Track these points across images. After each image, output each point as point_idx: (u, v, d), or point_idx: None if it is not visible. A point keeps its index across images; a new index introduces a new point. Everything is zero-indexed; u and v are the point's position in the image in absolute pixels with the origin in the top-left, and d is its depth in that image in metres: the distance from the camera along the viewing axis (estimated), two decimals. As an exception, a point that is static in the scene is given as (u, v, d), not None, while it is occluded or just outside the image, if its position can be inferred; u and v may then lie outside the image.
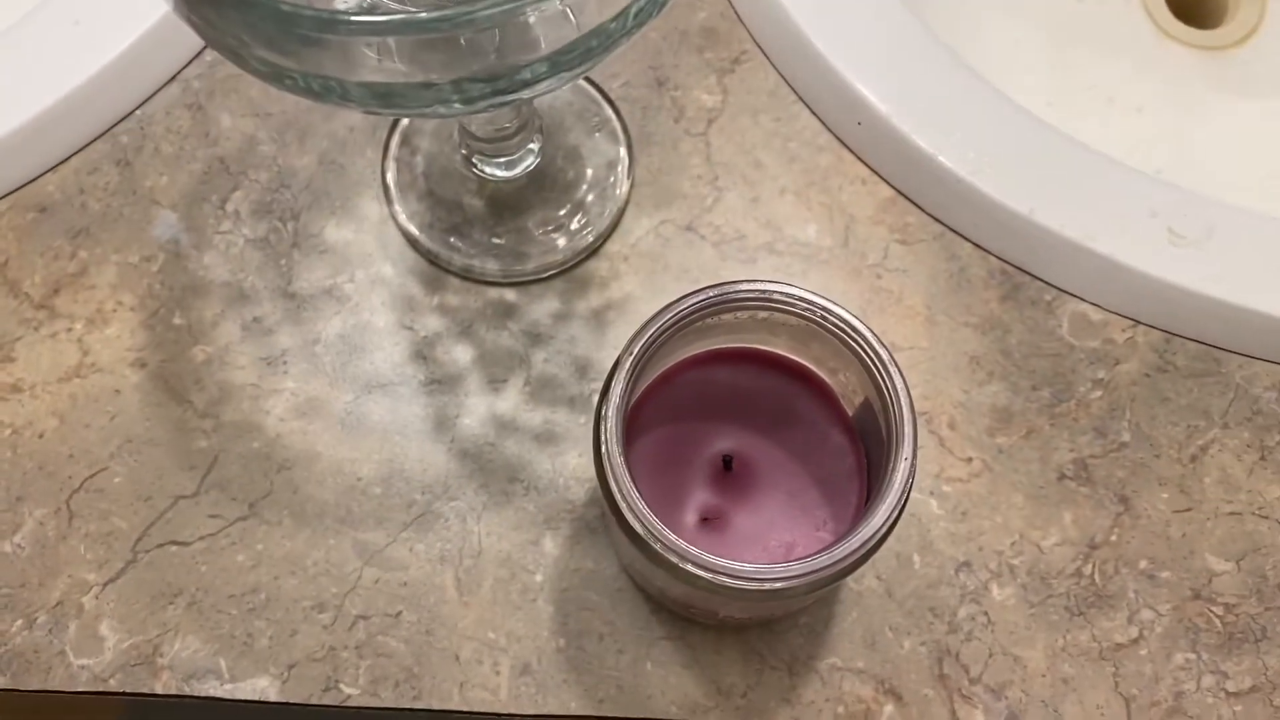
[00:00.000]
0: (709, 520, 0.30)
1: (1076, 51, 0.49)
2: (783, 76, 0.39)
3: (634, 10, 0.23)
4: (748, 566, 0.26)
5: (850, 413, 0.31)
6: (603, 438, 0.27)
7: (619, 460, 0.27)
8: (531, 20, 0.22)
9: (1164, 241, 0.36)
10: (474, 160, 0.37)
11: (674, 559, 0.26)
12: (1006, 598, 0.34)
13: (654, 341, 0.28)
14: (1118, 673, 0.34)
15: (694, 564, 0.26)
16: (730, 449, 0.31)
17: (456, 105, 0.23)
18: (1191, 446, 0.36)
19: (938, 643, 0.34)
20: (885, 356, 0.27)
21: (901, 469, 0.26)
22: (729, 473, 0.31)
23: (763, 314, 0.29)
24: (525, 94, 0.24)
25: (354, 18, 0.21)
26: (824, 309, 0.28)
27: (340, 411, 0.36)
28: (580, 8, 0.23)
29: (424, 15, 0.21)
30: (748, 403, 0.31)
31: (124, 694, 0.33)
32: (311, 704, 0.33)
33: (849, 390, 0.30)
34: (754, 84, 0.39)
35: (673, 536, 0.26)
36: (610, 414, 0.27)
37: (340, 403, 0.36)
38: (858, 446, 0.31)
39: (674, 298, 0.28)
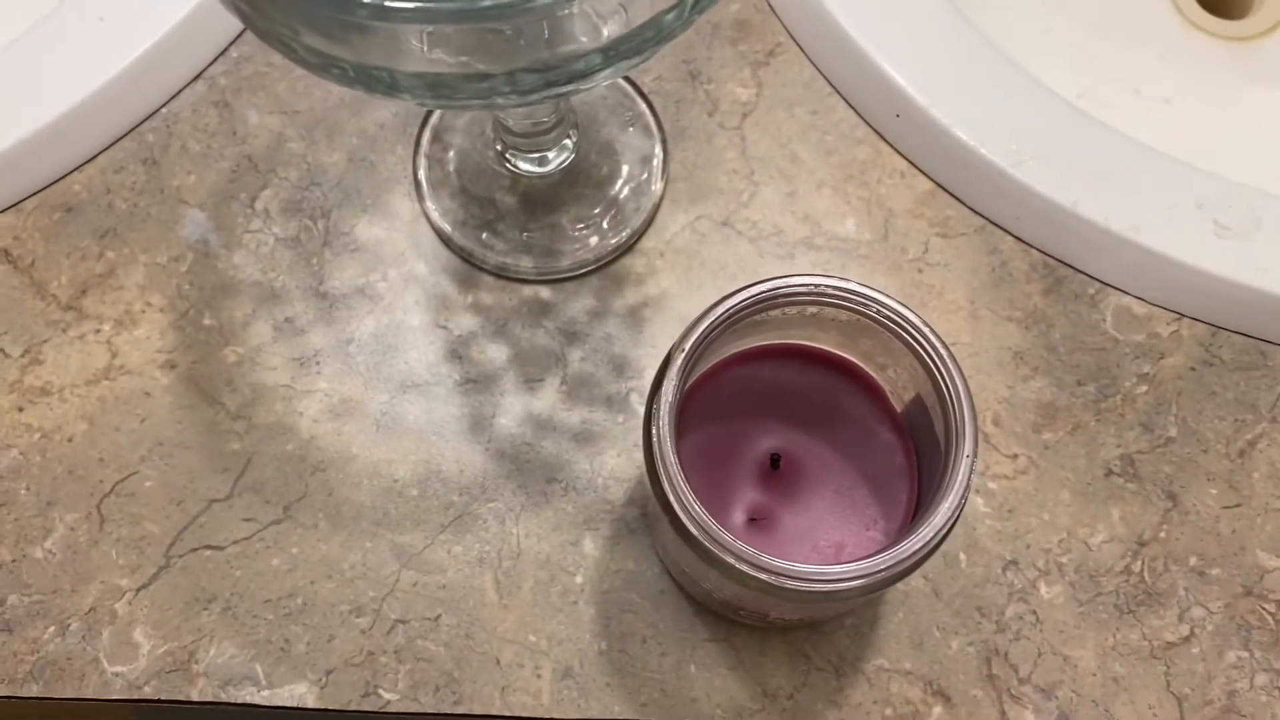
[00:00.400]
0: (757, 520, 0.30)
1: (1104, 42, 0.48)
2: (818, 68, 0.39)
3: (691, 1, 0.23)
4: (807, 568, 0.25)
5: (899, 409, 0.30)
6: (655, 437, 0.26)
7: (672, 460, 0.26)
8: (587, 9, 0.21)
9: (1210, 233, 0.35)
10: (508, 156, 0.37)
11: (730, 559, 0.25)
12: (1055, 596, 0.34)
13: (706, 337, 0.27)
14: (1169, 672, 0.33)
15: (751, 565, 0.25)
16: (777, 447, 0.30)
17: (510, 97, 0.23)
18: (1240, 441, 0.35)
19: (986, 642, 0.33)
20: (944, 352, 0.26)
21: (963, 466, 0.26)
22: (776, 471, 0.30)
23: (812, 309, 0.28)
24: (580, 85, 0.23)
25: (408, 5, 0.20)
26: (880, 303, 0.27)
27: (375, 412, 0.35)
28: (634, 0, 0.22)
29: (480, 4, 0.20)
30: (794, 400, 0.31)
31: (160, 701, 0.33)
32: (350, 710, 0.33)
33: (899, 386, 0.30)
34: (789, 76, 0.39)
35: (729, 537, 0.25)
36: (662, 412, 0.26)
37: (375, 403, 0.35)
38: (907, 444, 0.30)
39: (713, 294, 0.28)
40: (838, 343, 0.30)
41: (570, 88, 0.23)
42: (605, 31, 0.23)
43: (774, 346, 0.31)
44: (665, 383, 0.27)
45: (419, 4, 0.20)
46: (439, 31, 0.21)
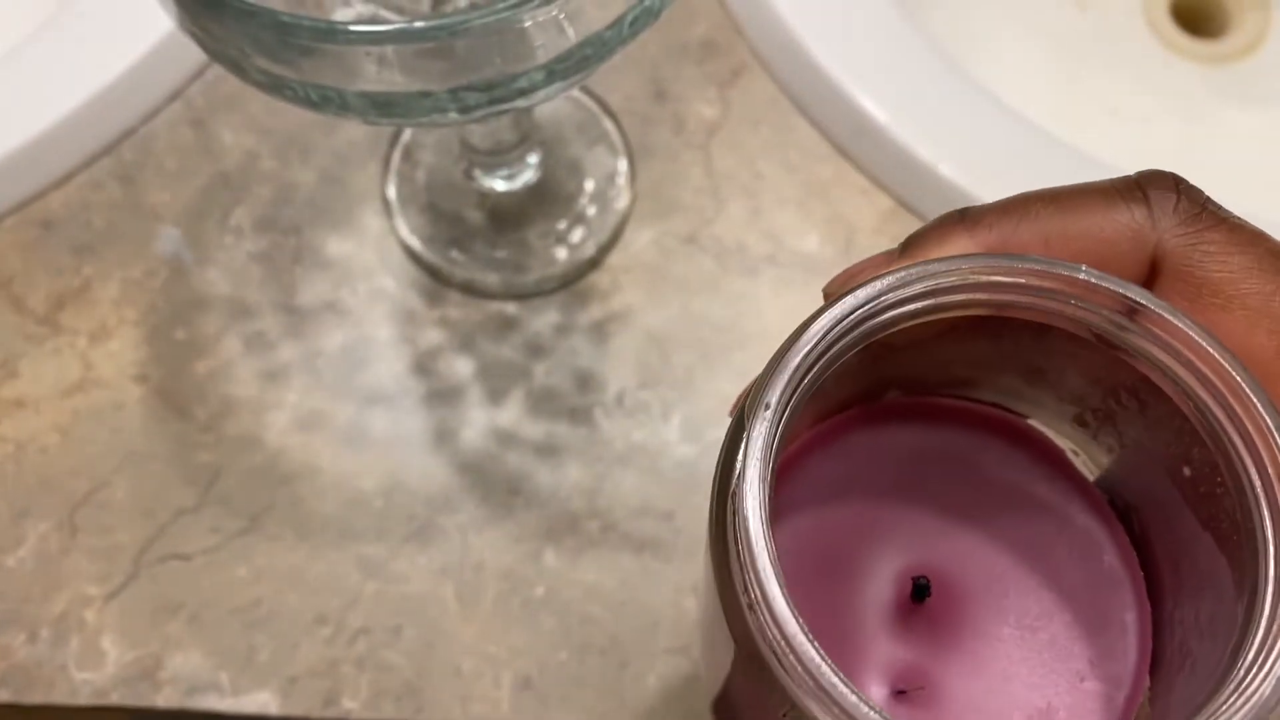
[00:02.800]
0: (906, 692, 0.19)
1: (1079, 62, 0.49)
2: (782, 88, 0.39)
3: (629, 19, 0.23)
4: None
5: (1091, 477, 0.20)
6: (739, 539, 0.15)
7: (771, 578, 0.15)
8: (527, 28, 0.22)
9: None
10: (474, 173, 0.37)
11: None
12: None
13: (804, 377, 0.16)
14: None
15: None
16: (918, 565, 0.20)
17: (454, 114, 0.24)
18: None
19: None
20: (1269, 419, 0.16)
21: None
22: (922, 605, 0.20)
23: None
24: (522, 103, 0.24)
25: (352, 27, 0.21)
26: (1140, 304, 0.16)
27: (342, 425, 0.36)
28: (576, 16, 0.23)
29: (420, 24, 0.21)
30: (929, 479, 0.20)
31: (125, 708, 0.33)
32: (313, 718, 0.33)
33: (1087, 444, 0.20)
34: (754, 96, 0.39)
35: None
36: (752, 501, 0.15)
37: (342, 416, 0.36)
38: (1118, 532, 0.20)
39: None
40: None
41: (514, 104, 0.24)
42: (546, 49, 0.23)
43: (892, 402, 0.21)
44: (747, 463, 0.15)
45: (361, 27, 0.21)
46: (382, 52, 0.22)
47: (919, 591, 0.19)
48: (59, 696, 0.33)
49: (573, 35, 0.23)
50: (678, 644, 0.33)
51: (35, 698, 0.34)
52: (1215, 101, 0.49)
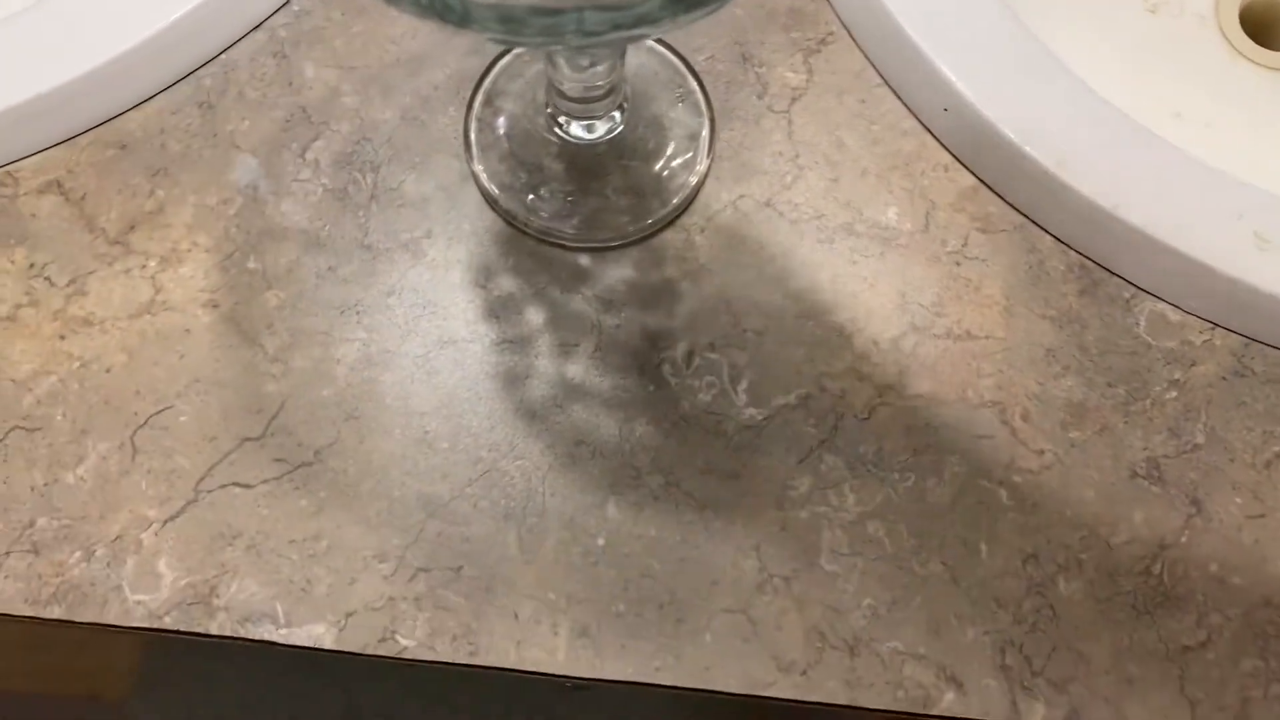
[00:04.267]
0: None
1: (1148, 63, 0.49)
2: (869, 59, 0.39)
3: None
4: None
5: None
6: None
7: None
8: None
9: (1250, 245, 0.35)
10: (559, 121, 0.37)
11: None
12: (1073, 592, 0.34)
13: None
14: (1184, 675, 0.33)
15: None
16: None
17: (572, 37, 0.23)
18: (1267, 452, 0.35)
19: (1002, 633, 0.33)
20: None
21: None
22: None
23: None
24: (646, 30, 0.24)
25: None
26: None
27: (410, 365, 0.35)
28: None
29: None
30: None
31: (178, 632, 0.33)
32: (366, 654, 0.33)
33: None
34: (839, 65, 0.39)
35: None
36: None
37: (411, 356, 0.36)
38: None
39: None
40: None
41: (636, 31, 0.24)
42: None
43: None
44: None
45: None
46: None
47: None
48: (112, 617, 0.33)
49: None
50: (736, 604, 0.33)
51: (87, 616, 0.33)
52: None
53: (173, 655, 0.37)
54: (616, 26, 0.23)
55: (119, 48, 0.37)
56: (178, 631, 0.33)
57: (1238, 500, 0.35)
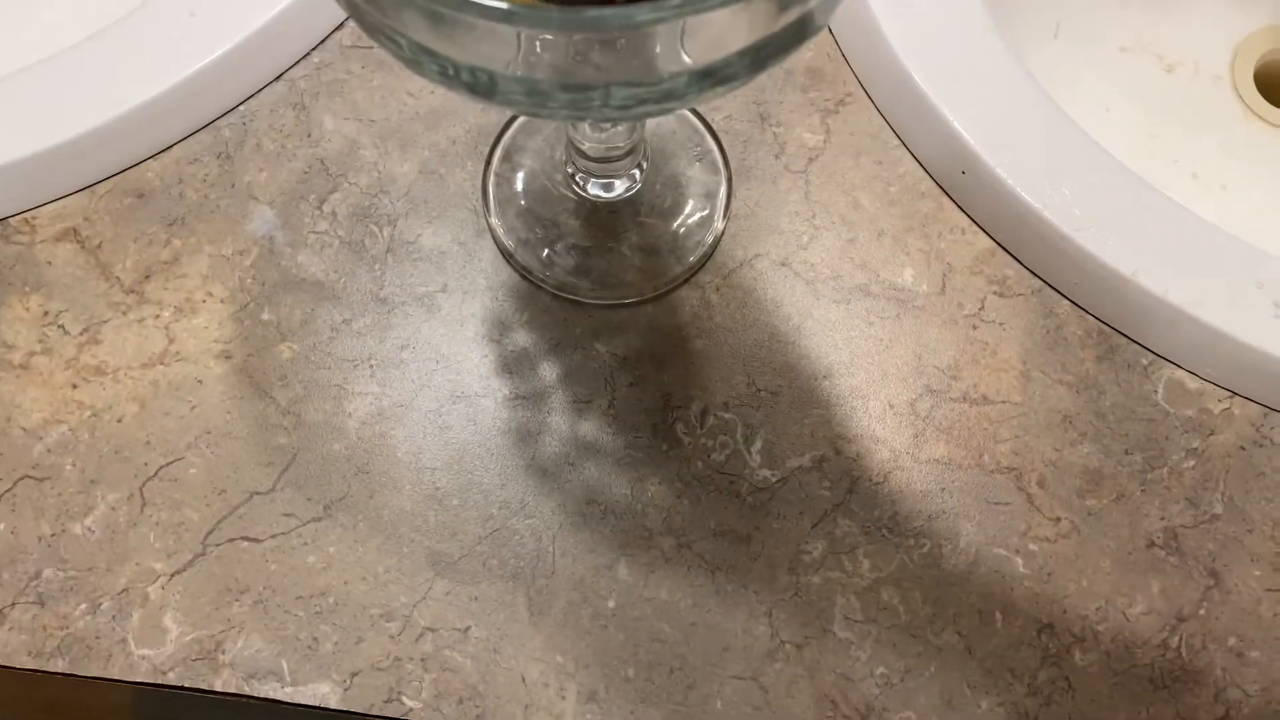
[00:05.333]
0: None
1: (1164, 124, 0.49)
2: (887, 120, 0.39)
3: (791, 28, 0.23)
4: None
5: None
6: None
7: None
8: (685, 31, 0.22)
9: (1269, 314, 0.35)
10: (576, 179, 0.37)
11: None
12: (1089, 664, 0.33)
13: None
14: (1201, 751, 0.32)
15: None
16: None
17: (602, 110, 0.23)
18: (1286, 524, 0.35)
19: (1016, 705, 0.33)
20: None
21: None
22: None
23: None
24: (670, 105, 0.24)
25: (523, 9, 0.21)
26: None
27: (422, 419, 0.35)
28: (732, 25, 0.23)
29: (590, 13, 0.21)
30: None
31: (182, 688, 0.33)
32: (373, 714, 0.32)
33: None
34: (857, 126, 0.39)
35: None
36: None
37: (423, 411, 0.35)
38: None
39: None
40: None
41: (660, 106, 0.24)
42: (699, 55, 0.23)
43: None
44: None
45: (533, 10, 0.21)
46: (546, 38, 0.22)
47: None
48: (116, 671, 0.33)
49: (729, 44, 0.23)
50: (747, 670, 0.33)
51: (91, 670, 0.33)
52: (1297, 174, 0.49)
53: (172, 710, 0.36)
54: (642, 101, 0.23)
55: (140, 97, 0.37)
56: (182, 688, 0.33)
57: (1256, 573, 0.34)
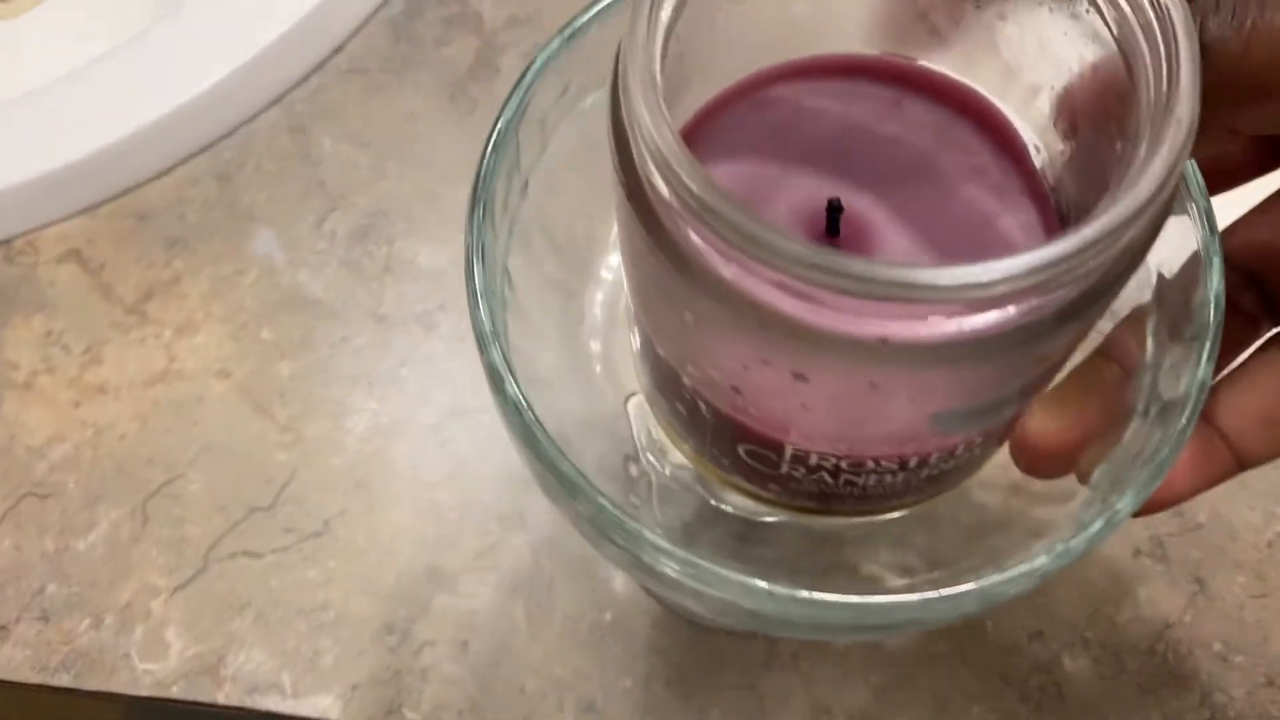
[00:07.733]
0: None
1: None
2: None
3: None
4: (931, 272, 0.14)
5: (1039, 168, 0.20)
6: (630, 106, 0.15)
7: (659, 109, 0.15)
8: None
9: (1249, 325, 0.36)
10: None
11: (770, 254, 0.14)
12: (1079, 670, 0.34)
13: None
14: (1189, 756, 0.33)
15: (810, 266, 0.14)
16: (837, 198, 0.19)
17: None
18: (1269, 532, 0.35)
19: (1008, 710, 0.33)
20: None
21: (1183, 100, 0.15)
22: (836, 238, 0.19)
23: None
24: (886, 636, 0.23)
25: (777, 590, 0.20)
26: None
27: (421, 435, 0.36)
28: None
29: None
30: (865, 142, 0.20)
31: (185, 702, 0.33)
32: (373, 726, 0.33)
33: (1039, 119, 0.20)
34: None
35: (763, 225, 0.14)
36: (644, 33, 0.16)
37: (422, 426, 0.36)
38: (1047, 209, 0.20)
39: None
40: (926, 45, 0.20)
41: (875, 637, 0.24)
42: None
43: (840, 60, 0.20)
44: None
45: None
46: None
47: (832, 216, 0.18)
48: (119, 685, 0.33)
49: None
50: (743, 680, 0.33)
51: (95, 684, 0.33)
52: None
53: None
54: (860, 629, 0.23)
55: (141, 120, 0.38)
56: (184, 701, 0.33)
57: (1240, 579, 0.35)
